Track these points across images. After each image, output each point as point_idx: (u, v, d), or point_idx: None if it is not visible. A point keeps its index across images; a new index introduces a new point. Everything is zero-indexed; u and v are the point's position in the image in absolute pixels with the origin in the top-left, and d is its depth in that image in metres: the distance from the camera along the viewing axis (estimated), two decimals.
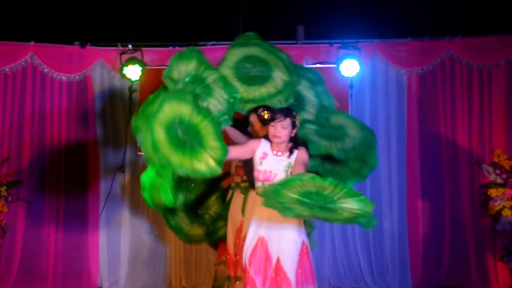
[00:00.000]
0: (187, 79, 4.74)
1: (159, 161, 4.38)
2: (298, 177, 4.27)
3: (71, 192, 7.48)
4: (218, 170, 4.38)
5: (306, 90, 5.30)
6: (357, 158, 5.25)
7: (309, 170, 4.62)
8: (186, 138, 4.35)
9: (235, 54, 5.13)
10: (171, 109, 4.36)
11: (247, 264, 4.53)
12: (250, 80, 5.08)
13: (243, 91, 5.04)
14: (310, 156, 4.77)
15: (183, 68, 4.76)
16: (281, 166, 4.58)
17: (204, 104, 4.74)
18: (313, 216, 4.27)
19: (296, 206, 4.14)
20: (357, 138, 5.24)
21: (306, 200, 4.15)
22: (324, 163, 5.33)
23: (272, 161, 4.59)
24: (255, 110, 5.15)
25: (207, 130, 4.42)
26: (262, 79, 5.12)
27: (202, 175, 4.41)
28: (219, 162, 4.38)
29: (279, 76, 5.12)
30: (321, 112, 5.26)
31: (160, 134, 4.28)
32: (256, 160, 4.61)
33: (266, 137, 4.66)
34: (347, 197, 4.15)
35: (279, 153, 4.61)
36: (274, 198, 4.17)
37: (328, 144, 5.15)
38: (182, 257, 7.56)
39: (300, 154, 4.62)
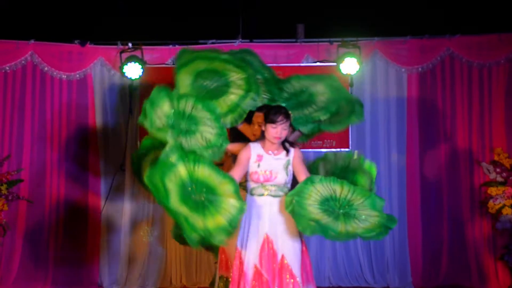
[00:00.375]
0: (171, 121, 4.60)
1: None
2: (309, 182, 4.42)
3: (71, 191, 7.49)
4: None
5: None
6: (340, 106, 5.15)
7: (309, 134, 5.06)
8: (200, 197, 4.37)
9: (185, 77, 4.96)
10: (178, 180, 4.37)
11: (257, 262, 4.50)
12: (214, 94, 4.94)
13: (216, 106, 4.89)
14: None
15: (160, 113, 4.63)
16: (280, 164, 4.58)
17: (198, 137, 4.63)
18: (346, 231, 4.35)
19: (324, 217, 4.33)
20: (324, 90, 5.14)
21: (328, 208, 4.38)
22: (320, 124, 5.21)
23: (270, 161, 4.58)
24: (259, 111, 5.09)
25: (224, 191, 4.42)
26: (224, 88, 4.98)
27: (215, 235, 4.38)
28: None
29: (236, 78, 4.98)
30: (270, 86, 5.11)
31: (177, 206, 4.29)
32: (252, 164, 4.59)
33: (248, 139, 4.72)
34: (358, 196, 4.39)
35: (275, 152, 4.61)
36: (304, 215, 4.32)
37: (306, 112, 5.08)
38: (183, 256, 7.57)
39: (297, 152, 4.64)
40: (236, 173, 4.58)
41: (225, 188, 4.40)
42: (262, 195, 4.58)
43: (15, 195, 7.24)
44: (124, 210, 7.54)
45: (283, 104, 4.93)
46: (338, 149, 7.39)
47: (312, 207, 4.39)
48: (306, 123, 5.09)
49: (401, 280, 7.48)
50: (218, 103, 4.87)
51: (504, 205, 7.16)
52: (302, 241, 4.63)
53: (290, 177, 4.62)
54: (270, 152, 4.61)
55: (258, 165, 4.58)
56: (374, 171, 4.83)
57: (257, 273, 4.49)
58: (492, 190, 7.24)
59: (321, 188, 4.43)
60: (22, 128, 7.45)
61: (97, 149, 7.55)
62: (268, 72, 5.19)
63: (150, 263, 7.54)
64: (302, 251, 4.60)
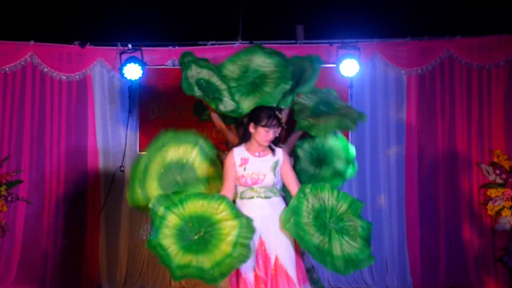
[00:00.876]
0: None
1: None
2: (302, 195, 4.46)
3: (70, 192, 7.49)
4: None
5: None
6: (294, 66, 5.22)
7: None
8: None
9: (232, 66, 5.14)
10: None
11: (255, 265, 4.47)
12: (254, 87, 5.12)
13: (259, 98, 5.03)
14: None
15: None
16: (267, 166, 4.53)
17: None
18: (342, 254, 4.44)
19: (320, 238, 4.42)
20: (264, 61, 5.17)
21: (321, 223, 4.46)
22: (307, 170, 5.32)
23: (257, 163, 4.53)
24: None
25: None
26: (260, 79, 5.14)
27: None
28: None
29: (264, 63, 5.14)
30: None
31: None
32: (238, 168, 4.53)
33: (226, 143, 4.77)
34: (342, 202, 4.50)
35: (261, 154, 4.57)
36: (306, 239, 4.39)
37: (267, 89, 5.10)
38: None
39: (286, 156, 4.62)
40: (227, 185, 4.54)
41: (219, 211, 4.36)
42: (252, 197, 4.53)
43: (15, 196, 7.25)
44: (123, 210, 7.53)
45: (238, 90, 5.08)
46: None
47: (309, 227, 4.43)
48: (279, 98, 5.04)
49: (400, 281, 7.48)
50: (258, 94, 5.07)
51: (503, 207, 7.17)
52: (296, 242, 4.57)
53: (278, 177, 4.58)
54: (256, 154, 4.56)
55: (244, 169, 4.52)
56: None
57: (256, 276, 4.47)
58: (492, 192, 7.25)
59: (312, 200, 4.47)
60: (21, 129, 7.44)
61: (97, 150, 7.55)
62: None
63: (149, 264, 7.54)
64: (297, 251, 4.57)
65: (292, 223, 4.42)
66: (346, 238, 4.47)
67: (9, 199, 7.20)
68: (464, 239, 7.43)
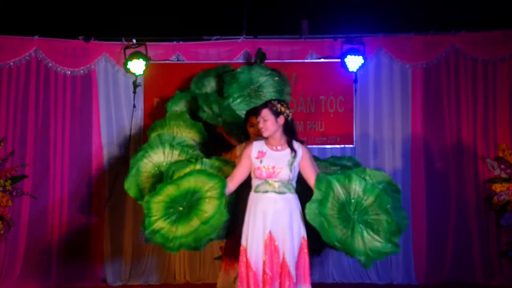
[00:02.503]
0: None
1: None
2: (328, 186, 4.53)
3: (75, 186, 7.49)
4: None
5: None
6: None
7: None
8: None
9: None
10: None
11: (264, 258, 4.51)
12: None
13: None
14: None
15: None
16: (284, 160, 4.57)
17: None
18: (365, 249, 4.52)
19: (343, 231, 4.49)
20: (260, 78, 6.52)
21: (345, 216, 4.51)
22: None
23: (273, 156, 4.58)
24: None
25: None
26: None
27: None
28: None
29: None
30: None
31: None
32: (254, 161, 4.59)
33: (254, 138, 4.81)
34: (369, 195, 4.54)
35: (278, 147, 4.61)
36: (329, 233, 4.47)
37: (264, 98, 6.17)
38: (187, 251, 7.53)
39: (305, 150, 4.65)
40: (235, 171, 4.67)
41: (210, 189, 4.60)
42: (267, 191, 4.57)
43: (19, 191, 7.25)
44: (128, 205, 7.53)
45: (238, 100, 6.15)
46: (342, 146, 7.40)
47: (333, 219, 4.50)
48: None
49: (405, 276, 7.48)
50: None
51: (508, 201, 7.17)
52: (303, 237, 4.60)
53: (295, 174, 4.60)
54: (274, 148, 4.61)
55: (261, 161, 4.57)
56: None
57: (264, 272, 4.49)
58: (497, 187, 7.24)
59: (338, 192, 4.53)
60: (26, 123, 7.44)
61: (101, 144, 7.55)
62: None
63: (153, 259, 7.54)
64: (302, 248, 4.58)
65: (316, 214, 4.47)
66: (370, 232, 4.51)
67: (14, 193, 7.20)
68: (469, 233, 7.42)
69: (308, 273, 4.61)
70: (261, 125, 4.59)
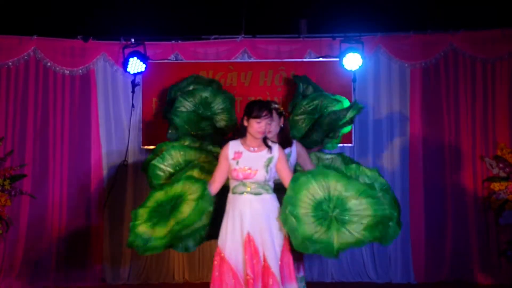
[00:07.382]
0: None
1: None
2: (302, 186, 4.45)
3: (74, 186, 7.49)
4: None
5: None
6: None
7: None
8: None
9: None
10: None
11: (240, 260, 4.49)
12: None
13: None
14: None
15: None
16: (261, 162, 4.56)
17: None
18: (339, 243, 4.44)
19: (317, 229, 4.40)
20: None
21: (321, 215, 4.42)
22: None
23: (250, 157, 4.56)
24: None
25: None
26: None
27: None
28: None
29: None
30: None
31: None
32: (230, 162, 4.58)
33: (231, 138, 4.77)
34: (352, 192, 4.42)
35: (255, 148, 4.60)
36: (297, 233, 4.39)
37: None
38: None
39: (282, 150, 4.64)
40: (215, 174, 4.66)
41: (191, 192, 4.64)
42: (243, 193, 4.56)
43: (18, 190, 7.25)
44: (127, 204, 7.54)
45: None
46: (341, 145, 7.39)
47: (307, 217, 4.41)
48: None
49: (404, 275, 7.48)
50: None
51: (507, 200, 7.16)
52: (285, 236, 4.58)
53: (271, 175, 4.60)
54: (251, 148, 4.59)
55: (237, 162, 4.56)
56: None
57: (245, 272, 4.47)
58: (495, 186, 7.24)
59: (314, 190, 4.44)
60: (25, 123, 7.45)
61: (100, 144, 7.55)
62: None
63: (153, 258, 7.54)
64: (284, 247, 4.57)
65: (287, 214, 4.42)
66: (349, 227, 4.42)
67: (13, 193, 7.19)
68: (468, 232, 7.42)
69: (293, 271, 4.60)
70: (262, 127, 4.55)
